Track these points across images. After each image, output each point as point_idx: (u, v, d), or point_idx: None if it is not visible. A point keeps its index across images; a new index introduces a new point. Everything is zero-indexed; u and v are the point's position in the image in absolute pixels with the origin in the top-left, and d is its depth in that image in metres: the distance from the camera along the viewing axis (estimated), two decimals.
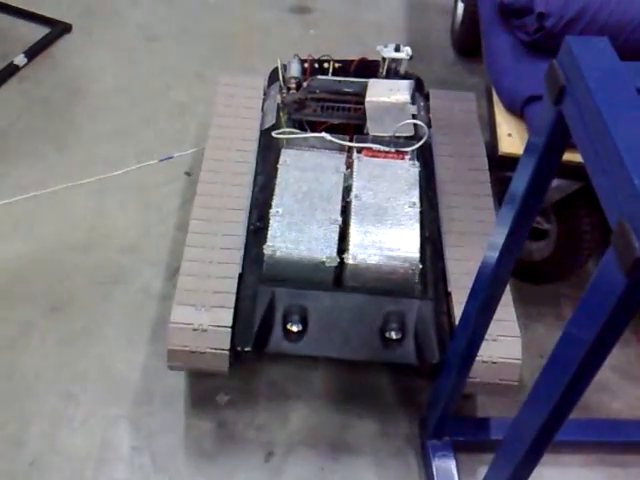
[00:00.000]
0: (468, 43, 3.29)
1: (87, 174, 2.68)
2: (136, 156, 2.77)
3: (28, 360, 2.11)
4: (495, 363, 1.78)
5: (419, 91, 2.41)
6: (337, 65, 2.40)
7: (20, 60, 3.10)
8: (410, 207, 1.94)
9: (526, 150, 1.21)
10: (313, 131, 2.25)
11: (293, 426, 2.01)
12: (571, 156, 1.19)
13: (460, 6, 3.34)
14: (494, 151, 1.90)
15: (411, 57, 2.19)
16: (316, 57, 2.39)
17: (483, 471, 1.59)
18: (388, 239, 1.88)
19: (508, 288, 1.79)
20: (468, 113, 2.46)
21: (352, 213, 1.92)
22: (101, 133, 2.86)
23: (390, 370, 2.13)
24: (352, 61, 2.40)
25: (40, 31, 3.27)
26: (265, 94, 2.48)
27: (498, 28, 2.05)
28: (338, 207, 1.94)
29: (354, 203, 1.94)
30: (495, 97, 1.99)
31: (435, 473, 1.86)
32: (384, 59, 2.22)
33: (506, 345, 1.79)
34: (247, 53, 3.33)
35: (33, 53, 3.16)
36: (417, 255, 1.85)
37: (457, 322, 1.79)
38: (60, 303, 2.26)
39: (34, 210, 2.55)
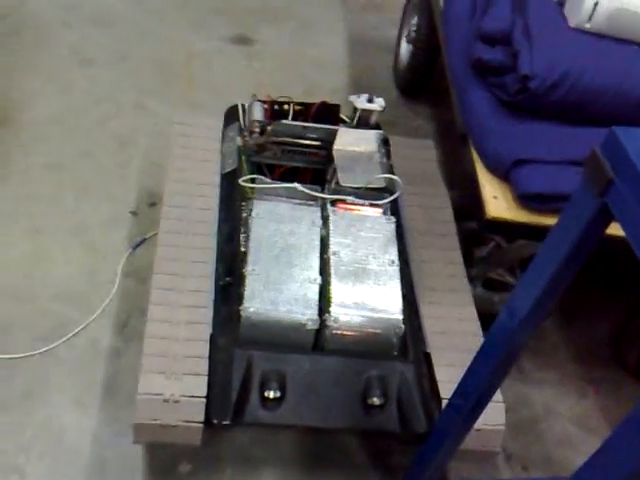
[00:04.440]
0: (413, 85, 3.31)
1: (21, 212, 2.46)
2: (75, 192, 2.57)
3: None
4: (479, 430, 1.73)
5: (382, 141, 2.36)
6: (297, 107, 2.33)
7: None
8: (390, 265, 1.88)
9: (558, 230, 1.16)
10: (271, 173, 2.17)
11: None
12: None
13: (404, 46, 3.35)
14: (479, 213, 1.85)
15: (384, 109, 2.16)
16: (263, 93, 2.28)
17: None
18: (370, 299, 1.80)
19: None
20: (429, 161, 2.45)
21: (332, 271, 1.83)
22: (35, 167, 2.63)
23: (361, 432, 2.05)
24: (312, 104, 2.33)
25: None
26: (223, 136, 2.36)
27: (474, 84, 2.02)
28: (316, 264, 1.85)
29: (333, 260, 1.86)
30: (475, 156, 1.96)
31: None
32: (356, 109, 2.16)
33: (490, 411, 1.75)
34: (189, 84, 3.19)
35: None
36: (400, 317, 1.79)
37: (440, 386, 1.75)
38: None
39: None
